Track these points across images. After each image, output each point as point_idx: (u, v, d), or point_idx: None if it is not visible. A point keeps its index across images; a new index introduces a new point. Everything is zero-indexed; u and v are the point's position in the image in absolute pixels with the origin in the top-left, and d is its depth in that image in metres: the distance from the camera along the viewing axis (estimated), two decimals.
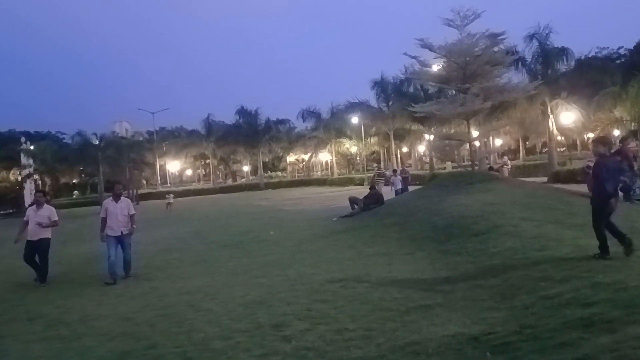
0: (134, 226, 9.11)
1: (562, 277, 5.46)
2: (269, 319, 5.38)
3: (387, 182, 22.65)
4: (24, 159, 39.56)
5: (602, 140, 6.68)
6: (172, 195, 32.55)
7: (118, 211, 8.76)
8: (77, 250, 13.32)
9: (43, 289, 8.50)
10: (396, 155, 51.49)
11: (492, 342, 4.05)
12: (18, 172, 43.61)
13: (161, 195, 48.23)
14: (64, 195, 51.70)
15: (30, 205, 9.73)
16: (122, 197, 9.05)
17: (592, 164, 7.58)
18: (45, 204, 9.04)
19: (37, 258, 8.84)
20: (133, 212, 9.10)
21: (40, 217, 8.81)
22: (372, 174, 21.25)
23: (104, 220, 8.77)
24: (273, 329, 5.06)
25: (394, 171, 24.70)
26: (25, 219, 8.99)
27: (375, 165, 60.21)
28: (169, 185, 62.57)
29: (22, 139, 45.91)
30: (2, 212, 39.38)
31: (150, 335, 5.28)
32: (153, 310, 6.33)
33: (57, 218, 9.03)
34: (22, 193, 40.67)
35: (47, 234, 8.86)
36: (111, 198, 9.01)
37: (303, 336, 4.76)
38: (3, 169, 46.73)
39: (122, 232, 8.74)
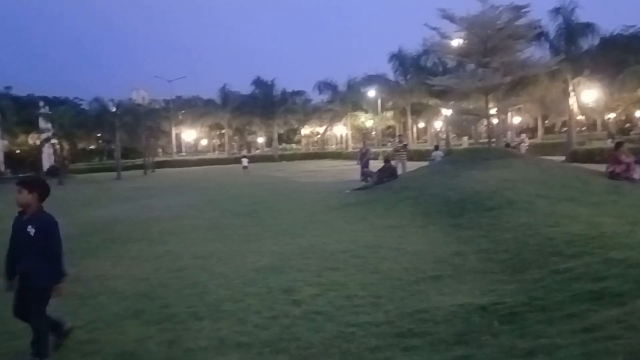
0: None
1: (573, 252, 5.44)
2: (279, 284, 5.47)
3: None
4: (42, 123, 39.88)
5: None
6: (247, 159, 35.47)
7: None
8: (94, 214, 13.62)
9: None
10: (412, 131, 51.01)
11: (500, 312, 4.08)
12: (37, 137, 44.08)
13: (176, 164, 48.94)
14: (82, 161, 52.44)
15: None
16: None
17: None
18: None
19: None
20: None
21: None
22: (392, 148, 20.37)
23: None
24: (283, 294, 5.15)
25: (436, 147, 23.26)
26: None
27: (390, 140, 59.78)
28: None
29: (41, 104, 46.13)
30: (20, 175, 40.00)
31: (163, 296, 5.41)
32: (167, 273, 6.47)
33: None
34: (41, 157, 41.33)
35: None
36: None
37: (313, 301, 4.85)
38: (22, 133, 47.36)
39: None
